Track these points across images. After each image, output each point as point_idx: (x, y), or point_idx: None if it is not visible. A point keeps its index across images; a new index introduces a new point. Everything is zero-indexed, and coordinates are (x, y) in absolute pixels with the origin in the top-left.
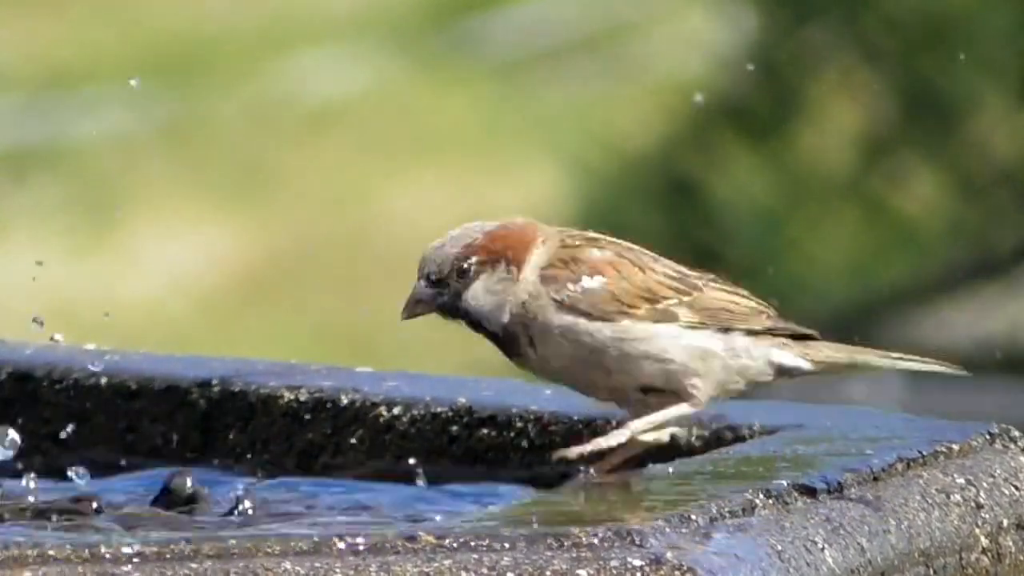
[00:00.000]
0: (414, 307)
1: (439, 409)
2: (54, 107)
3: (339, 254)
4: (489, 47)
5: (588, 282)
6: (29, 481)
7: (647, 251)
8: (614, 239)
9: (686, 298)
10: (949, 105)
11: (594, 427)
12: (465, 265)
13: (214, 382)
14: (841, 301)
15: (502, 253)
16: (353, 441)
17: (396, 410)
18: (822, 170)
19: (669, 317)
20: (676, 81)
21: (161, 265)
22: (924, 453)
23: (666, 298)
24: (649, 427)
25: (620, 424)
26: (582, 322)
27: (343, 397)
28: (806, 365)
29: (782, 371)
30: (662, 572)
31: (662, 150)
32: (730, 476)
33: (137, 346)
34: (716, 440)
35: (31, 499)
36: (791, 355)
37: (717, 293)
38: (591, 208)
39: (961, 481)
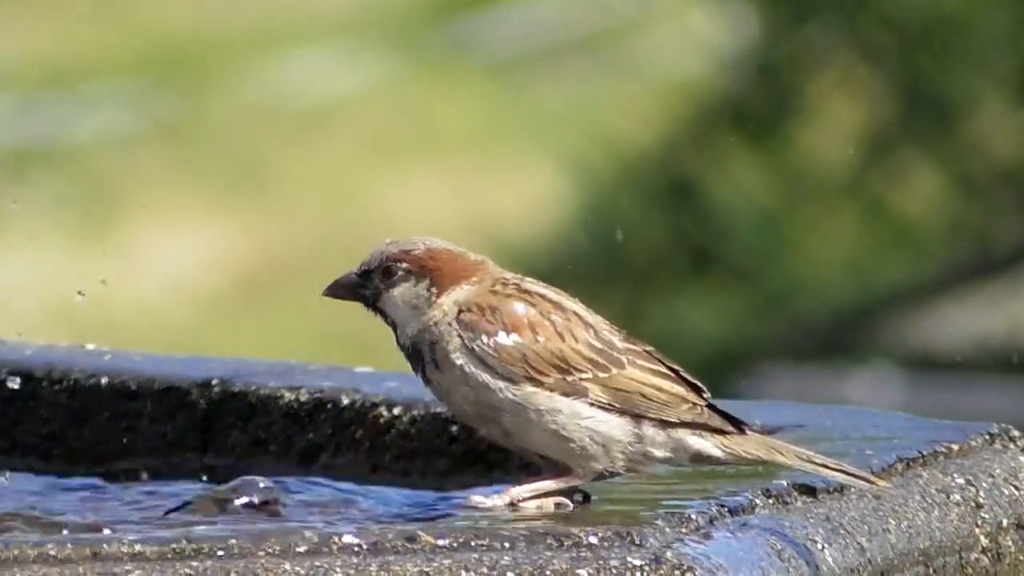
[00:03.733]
0: (334, 288)
1: (439, 409)
2: (54, 107)
3: (339, 254)
4: (489, 47)
5: (502, 338)
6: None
7: (583, 313)
8: (554, 295)
9: (602, 374)
10: (949, 104)
11: None
12: (392, 267)
13: (214, 382)
14: (840, 300)
15: (431, 271)
16: (353, 441)
17: (396, 410)
18: (821, 170)
19: (578, 391)
20: (676, 81)
21: (161, 265)
22: (924, 453)
23: (579, 371)
24: (532, 495)
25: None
26: (487, 377)
27: (343, 397)
28: (721, 455)
29: (697, 457)
30: (662, 572)
31: (662, 150)
32: (730, 476)
33: (137, 346)
34: None
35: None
36: (708, 444)
37: (639, 374)
38: (591, 208)
39: (961, 481)
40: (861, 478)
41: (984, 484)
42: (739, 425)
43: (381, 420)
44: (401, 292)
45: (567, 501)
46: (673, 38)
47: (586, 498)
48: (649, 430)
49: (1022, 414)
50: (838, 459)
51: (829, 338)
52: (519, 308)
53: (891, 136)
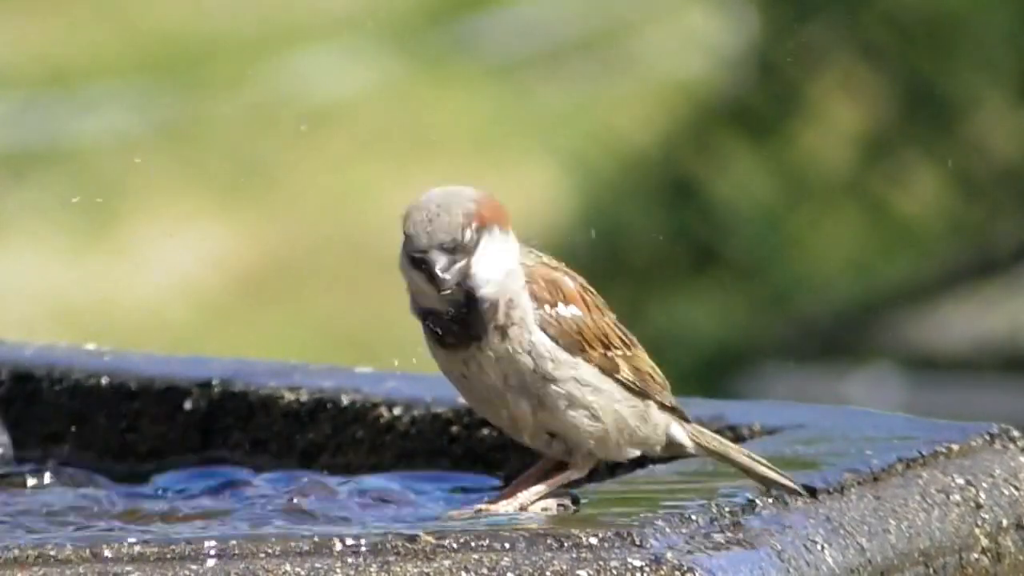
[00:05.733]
0: (447, 278)
1: (439, 409)
2: (54, 107)
3: (339, 254)
4: (489, 47)
5: (562, 309)
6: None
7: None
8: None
9: (628, 352)
10: (949, 104)
11: None
12: (471, 232)
13: (214, 382)
14: (841, 300)
15: (494, 220)
16: (353, 441)
17: (396, 410)
18: (822, 169)
19: (613, 367)
20: (676, 81)
21: (161, 265)
22: (924, 453)
23: (615, 347)
24: (536, 498)
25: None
26: (550, 346)
27: (343, 397)
28: (690, 446)
29: (671, 446)
30: (662, 572)
31: (662, 149)
32: (730, 476)
33: (137, 346)
34: None
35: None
36: (683, 433)
37: (644, 355)
38: (591, 207)
39: (961, 481)
40: (792, 483)
41: (984, 484)
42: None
43: (381, 420)
44: (488, 249)
45: (568, 503)
46: (673, 38)
47: (575, 500)
48: (655, 414)
49: (1022, 414)
50: (838, 459)
51: (829, 338)
52: (569, 282)
53: (891, 136)
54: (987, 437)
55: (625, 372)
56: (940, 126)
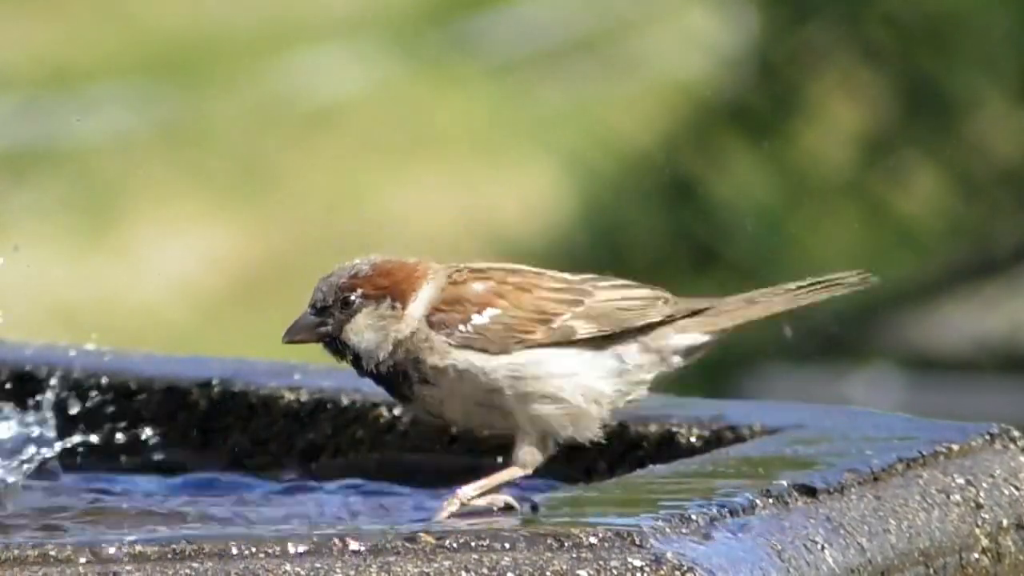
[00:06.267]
0: (294, 333)
1: None
2: (54, 107)
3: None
4: (489, 47)
5: (478, 318)
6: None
7: (530, 268)
8: (500, 265)
9: (579, 308)
10: (949, 104)
11: None
12: (348, 297)
13: (214, 382)
14: (841, 300)
15: (388, 288)
16: (353, 441)
17: (396, 410)
18: (822, 169)
19: (568, 333)
20: (676, 80)
21: (161, 265)
22: (924, 453)
23: (558, 314)
24: (478, 492)
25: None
26: (478, 360)
27: (343, 397)
28: (708, 338)
29: (687, 352)
30: (662, 572)
31: (662, 149)
32: (730, 476)
33: (137, 346)
34: (716, 440)
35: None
36: (693, 335)
37: (607, 292)
38: (591, 208)
39: (961, 481)
40: (844, 284)
41: (984, 484)
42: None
43: (381, 420)
44: (364, 318)
45: (515, 504)
46: (673, 38)
47: (534, 508)
48: (634, 356)
49: (1022, 414)
50: (838, 459)
51: (829, 338)
52: (478, 287)
53: (892, 136)
54: (987, 437)
55: (585, 328)
56: (940, 126)
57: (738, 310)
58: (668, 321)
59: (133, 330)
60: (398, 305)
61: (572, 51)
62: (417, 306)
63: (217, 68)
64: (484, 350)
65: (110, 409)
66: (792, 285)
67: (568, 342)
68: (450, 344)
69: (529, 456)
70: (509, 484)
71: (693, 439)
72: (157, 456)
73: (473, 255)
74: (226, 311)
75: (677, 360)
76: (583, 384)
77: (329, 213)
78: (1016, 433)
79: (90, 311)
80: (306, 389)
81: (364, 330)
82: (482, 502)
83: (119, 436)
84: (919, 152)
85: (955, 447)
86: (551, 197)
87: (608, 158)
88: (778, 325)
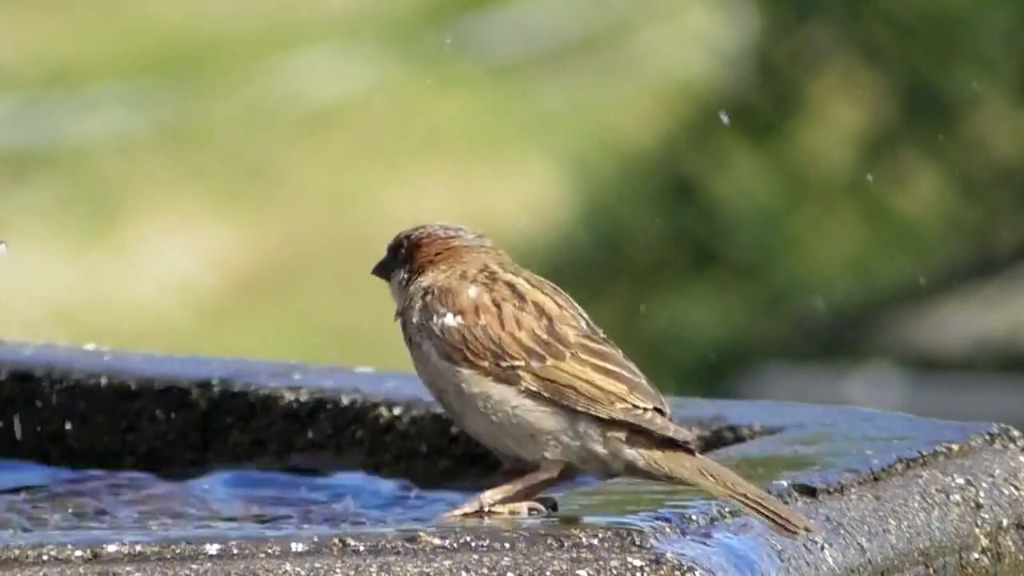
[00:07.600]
0: (376, 268)
1: (439, 409)
2: (54, 107)
3: (339, 254)
4: (489, 47)
5: (449, 319)
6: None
7: (548, 306)
8: (528, 286)
9: (536, 364)
10: (949, 104)
11: None
12: (396, 249)
13: (214, 382)
14: (841, 300)
15: (411, 255)
16: (353, 441)
17: (396, 410)
18: (822, 169)
19: (511, 379)
20: (676, 80)
21: (161, 265)
22: (924, 453)
23: (512, 358)
24: (502, 496)
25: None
26: (435, 356)
27: (343, 397)
28: (647, 469)
29: (628, 468)
30: (662, 572)
31: (662, 149)
32: None
33: (137, 346)
34: (716, 440)
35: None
36: (636, 455)
37: (576, 367)
38: (591, 208)
39: (961, 481)
40: (781, 524)
41: (984, 484)
42: (682, 444)
43: (381, 420)
44: (396, 273)
45: (540, 506)
46: (673, 37)
47: (553, 506)
48: (585, 427)
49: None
50: (838, 459)
51: (829, 338)
52: (471, 292)
53: (891, 136)
54: (987, 437)
55: (528, 383)
56: (940, 126)
57: (691, 470)
58: (625, 426)
59: (133, 330)
60: (411, 274)
61: (572, 51)
62: (421, 283)
63: (217, 68)
64: (440, 349)
65: (109, 409)
66: (753, 487)
67: (510, 384)
68: (424, 326)
69: (549, 461)
70: (540, 487)
71: (693, 439)
72: (157, 456)
73: None
74: (226, 311)
75: (620, 467)
76: (521, 416)
77: (329, 213)
78: (1016, 433)
79: (90, 311)
80: (306, 389)
81: (393, 281)
82: (503, 509)
83: (118, 436)
84: (919, 152)
85: (955, 447)
86: (551, 197)
87: (608, 158)
88: (778, 325)
